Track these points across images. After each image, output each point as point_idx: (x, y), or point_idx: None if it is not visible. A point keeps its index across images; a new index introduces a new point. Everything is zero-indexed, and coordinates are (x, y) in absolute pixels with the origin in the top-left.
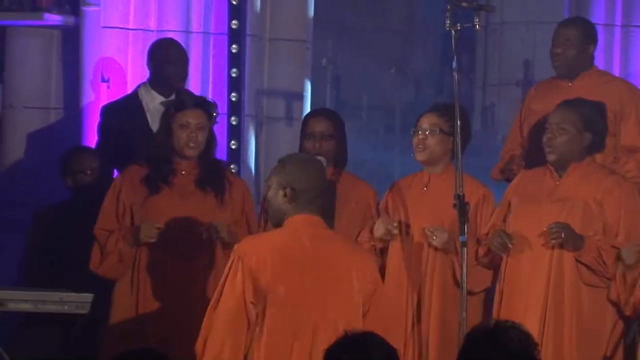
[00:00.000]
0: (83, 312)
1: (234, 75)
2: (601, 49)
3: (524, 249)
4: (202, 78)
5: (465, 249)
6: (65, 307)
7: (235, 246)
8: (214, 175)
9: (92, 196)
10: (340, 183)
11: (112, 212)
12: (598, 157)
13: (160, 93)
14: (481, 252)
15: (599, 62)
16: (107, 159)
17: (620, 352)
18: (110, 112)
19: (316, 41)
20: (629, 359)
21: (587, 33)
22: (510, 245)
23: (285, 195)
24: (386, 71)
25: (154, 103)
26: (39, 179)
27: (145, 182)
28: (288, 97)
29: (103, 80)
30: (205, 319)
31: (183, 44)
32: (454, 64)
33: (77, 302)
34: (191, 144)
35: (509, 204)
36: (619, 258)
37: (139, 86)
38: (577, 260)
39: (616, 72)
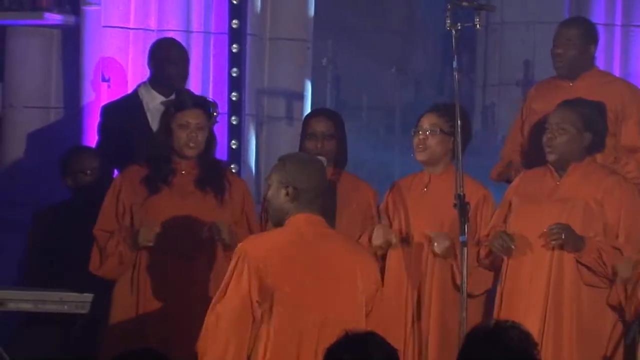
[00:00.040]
0: (83, 312)
1: (234, 74)
2: (601, 49)
3: (525, 250)
4: (202, 78)
5: (466, 248)
6: (65, 307)
7: (239, 245)
8: (213, 175)
9: (92, 196)
10: (340, 183)
11: (111, 212)
12: (598, 157)
13: (160, 93)
14: (482, 253)
15: (599, 61)
16: (107, 159)
17: (620, 352)
18: (110, 111)
19: (316, 41)
20: (629, 359)
21: (589, 33)
22: (512, 247)
23: (287, 194)
24: (386, 71)
25: (154, 103)
26: (39, 179)
27: (145, 182)
28: (288, 97)
29: (103, 80)
30: (206, 318)
31: (183, 44)
32: (454, 64)
33: (77, 302)
34: (191, 144)
35: (510, 204)
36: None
37: (139, 86)
38: (577, 261)
39: (616, 71)
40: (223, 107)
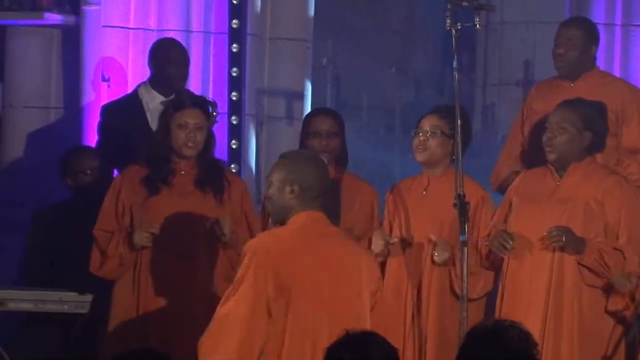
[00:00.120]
0: (83, 312)
1: (234, 74)
2: (602, 49)
3: (525, 250)
4: (202, 77)
5: (466, 248)
6: (65, 307)
7: (250, 242)
8: (213, 175)
9: (92, 196)
10: (343, 183)
11: (111, 212)
12: (600, 158)
13: (160, 93)
14: (483, 253)
15: (599, 61)
16: (107, 159)
17: (621, 352)
18: (110, 111)
19: (316, 41)
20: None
21: (590, 33)
22: (509, 247)
23: (292, 192)
24: (386, 71)
25: (154, 103)
26: (39, 179)
27: (145, 183)
28: (288, 97)
29: (103, 80)
30: (216, 315)
31: (183, 43)
32: (454, 64)
33: (77, 302)
34: (190, 144)
35: (510, 204)
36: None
37: (139, 85)
38: (578, 263)
39: (616, 71)
40: (223, 107)
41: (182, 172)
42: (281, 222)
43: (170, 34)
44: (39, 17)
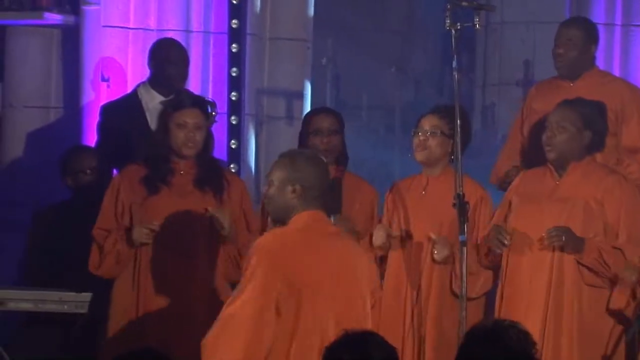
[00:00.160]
0: (83, 311)
1: (234, 74)
2: (601, 49)
3: (525, 249)
4: (202, 77)
5: (465, 248)
6: (65, 306)
7: (256, 243)
8: (212, 174)
9: (92, 196)
10: (343, 182)
11: (111, 211)
12: (599, 157)
13: (160, 92)
14: (482, 252)
15: (599, 61)
16: (106, 159)
17: (621, 352)
18: (109, 111)
19: (316, 40)
20: (630, 359)
21: (590, 33)
22: (505, 242)
23: (293, 191)
24: (386, 71)
25: (153, 102)
26: (39, 178)
27: (144, 182)
28: (288, 97)
29: (103, 80)
30: (222, 315)
31: (183, 43)
32: (454, 64)
33: (77, 301)
34: (189, 144)
35: (510, 204)
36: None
37: (138, 85)
38: (578, 262)
39: (616, 71)
40: (223, 107)
41: (182, 172)
42: (281, 221)
43: (170, 34)
44: (39, 17)
